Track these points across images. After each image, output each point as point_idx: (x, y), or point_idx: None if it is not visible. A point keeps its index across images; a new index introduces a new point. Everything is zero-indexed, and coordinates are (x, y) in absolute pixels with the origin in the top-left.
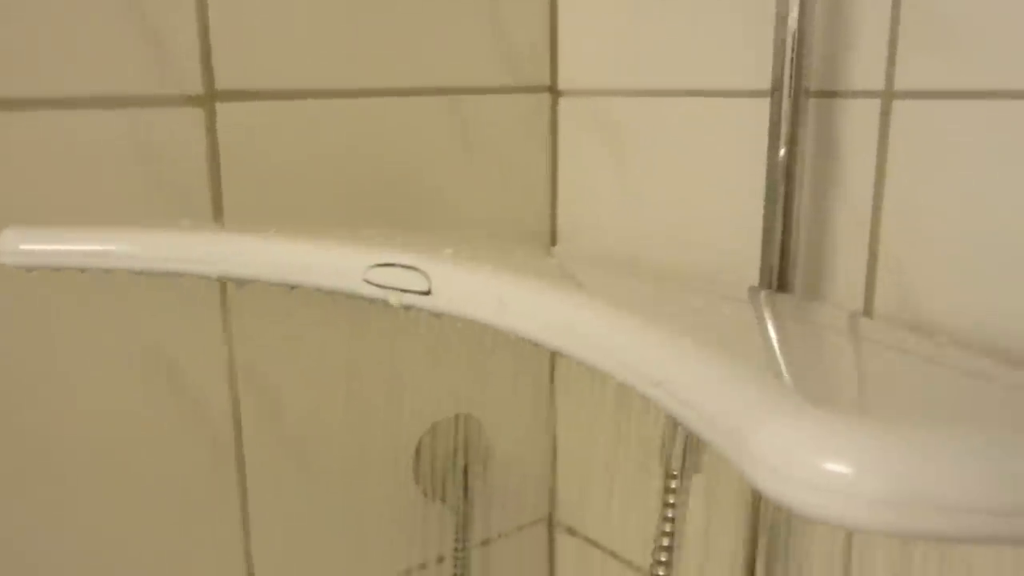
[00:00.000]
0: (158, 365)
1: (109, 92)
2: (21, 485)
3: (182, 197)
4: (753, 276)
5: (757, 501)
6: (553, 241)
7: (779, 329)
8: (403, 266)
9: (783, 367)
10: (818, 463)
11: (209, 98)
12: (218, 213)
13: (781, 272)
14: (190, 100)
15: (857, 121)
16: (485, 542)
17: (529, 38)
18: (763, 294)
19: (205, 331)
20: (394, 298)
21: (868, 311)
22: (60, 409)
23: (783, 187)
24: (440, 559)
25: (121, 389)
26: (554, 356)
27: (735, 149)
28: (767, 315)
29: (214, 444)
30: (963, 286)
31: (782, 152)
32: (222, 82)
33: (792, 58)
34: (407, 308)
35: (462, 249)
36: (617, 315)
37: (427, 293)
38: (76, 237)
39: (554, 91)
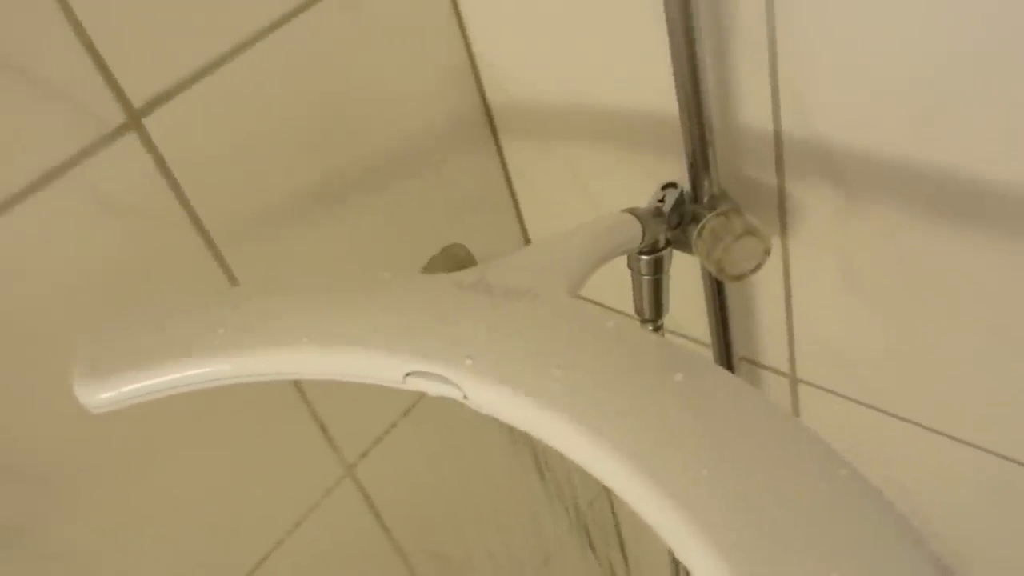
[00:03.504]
0: None
1: (44, 169)
2: None
3: (157, 219)
4: (671, 100)
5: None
6: (477, 81)
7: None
8: (436, 376)
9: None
10: None
11: (134, 119)
12: (192, 215)
13: (696, 105)
14: (119, 131)
15: None
16: None
17: None
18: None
19: None
20: (434, 393)
21: (777, 132)
22: None
23: (681, 22)
24: None
25: None
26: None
27: None
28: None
29: None
30: (856, 108)
31: None
32: (137, 99)
33: None
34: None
35: (475, 345)
36: (642, 481)
37: (465, 399)
38: (146, 372)
39: None
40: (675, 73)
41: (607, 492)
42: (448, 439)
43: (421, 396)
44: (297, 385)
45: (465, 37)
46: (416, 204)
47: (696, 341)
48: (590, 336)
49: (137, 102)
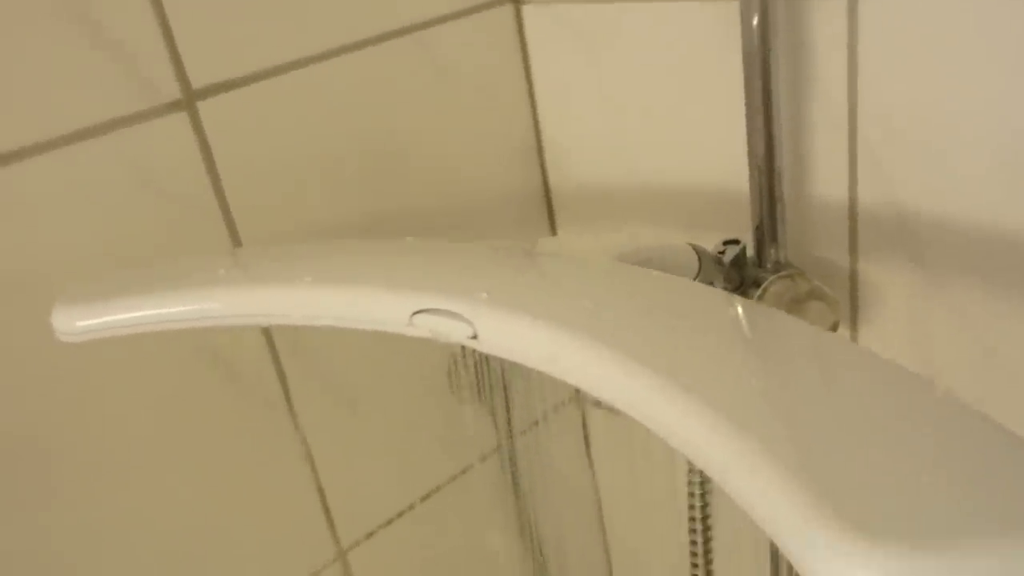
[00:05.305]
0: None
1: (91, 122)
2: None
3: (189, 205)
4: (740, 176)
5: None
6: (540, 157)
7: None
8: (446, 312)
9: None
10: None
11: (189, 100)
12: (225, 212)
13: (768, 170)
14: (171, 107)
15: (826, 19)
16: (524, 432)
17: None
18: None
19: None
20: (443, 339)
21: (852, 204)
22: (123, 401)
23: (760, 86)
24: (483, 458)
25: (171, 376)
26: None
27: (708, 53)
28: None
29: (266, 405)
30: (939, 177)
31: (756, 51)
32: (197, 80)
33: None
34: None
35: (495, 282)
36: (672, 392)
37: (474, 338)
38: (129, 303)
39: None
40: (749, 146)
41: None
42: (450, 547)
43: (430, 492)
44: (308, 448)
45: (535, 115)
46: None
47: None
48: (631, 279)
49: (196, 83)
